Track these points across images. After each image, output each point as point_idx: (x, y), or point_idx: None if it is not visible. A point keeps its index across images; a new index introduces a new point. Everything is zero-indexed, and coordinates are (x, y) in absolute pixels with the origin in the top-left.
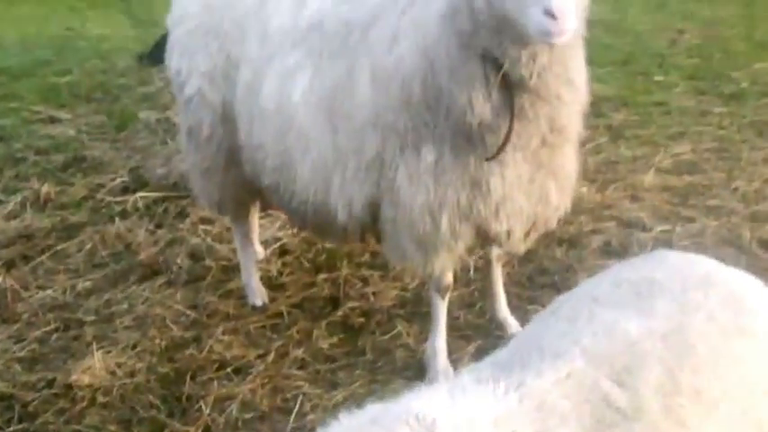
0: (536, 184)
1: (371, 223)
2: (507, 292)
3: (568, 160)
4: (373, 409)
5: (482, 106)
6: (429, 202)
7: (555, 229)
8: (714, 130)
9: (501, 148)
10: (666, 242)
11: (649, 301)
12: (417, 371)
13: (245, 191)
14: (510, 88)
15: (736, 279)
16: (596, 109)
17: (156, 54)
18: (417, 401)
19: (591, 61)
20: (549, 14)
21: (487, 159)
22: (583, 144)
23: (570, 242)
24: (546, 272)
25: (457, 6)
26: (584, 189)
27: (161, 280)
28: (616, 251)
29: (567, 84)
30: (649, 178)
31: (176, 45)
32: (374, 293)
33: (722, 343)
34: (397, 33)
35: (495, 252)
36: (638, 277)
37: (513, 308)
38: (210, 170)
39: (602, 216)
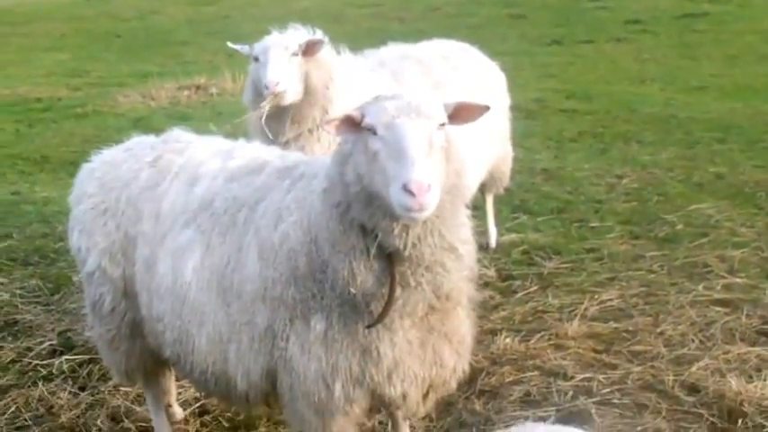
0: (428, 348)
1: (272, 390)
2: None
3: (462, 324)
4: None
5: (364, 276)
6: (322, 370)
7: (475, 380)
8: (644, 274)
9: (381, 316)
10: (587, 390)
11: None
12: None
13: (152, 360)
14: (389, 258)
15: None
16: (528, 258)
17: None
18: None
19: (528, 210)
20: (408, 191)
21: (367, 326)
22: (512, 293)
23: (491, 393)
24: (464, 424)
25: (333, 180)
26: (508, 340)
27: None
28: (536, 401)
29: (449, 252)
30: (574, 326)
31: (76, 223)
32: None
33: None
34: (282, 210)
35: (400, 412)
36: None
37: None
38: (115, 341)
39: (524, 366)
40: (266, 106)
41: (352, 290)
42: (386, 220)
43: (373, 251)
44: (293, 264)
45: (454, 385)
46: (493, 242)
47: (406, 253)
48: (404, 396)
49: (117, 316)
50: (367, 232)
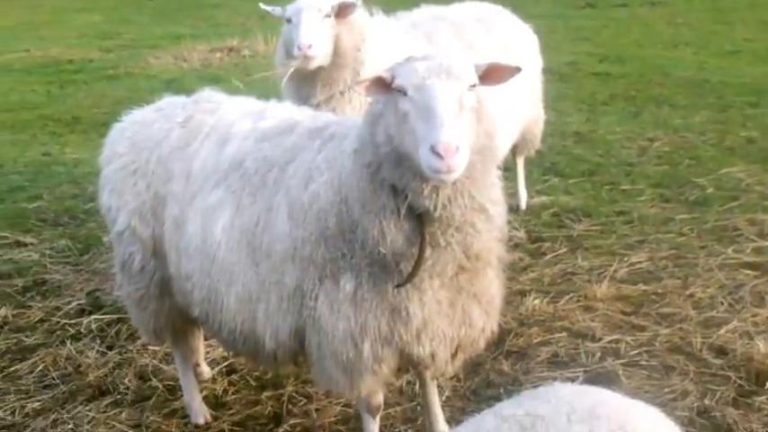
0: (458, 308)
1: (300, 349)
2: (451, 407)
3: (491, 284)
4: None
5: (394, 236)
6: (350, 329)
7: (504, 341)
8: (674, 237)
9: (411, 276)
10: (615, 352)
11: None
12: None
13: (180, 319)
14: (419, 218)
15: (625, 408)
16: (558, 220)
17: None
18: None
19: (559, 173)
20: (436, 153)
21: (397, 286)
22: (541, 255)
23: (519, 354)
24: (492, 385)
25: (364, 141)
26: (537, 301)
27: (108, 400)
28: (563, 362)
29: (480, 212)
30: (603, 289)
31: (106, 183)
32: (317, 410)
33: None
34: (312, 170)
35: (428, 371)
36: (524, 412)
37: (457, 422)
38: (144, 300)
39: (552, 327)
40: (292, 67)
41: (382, 250)
42: (416, 181)
43: (403, 211)
44: (323, 224)
45: (483, 345)
46: (523, 204)
47: (437, 214)
48: (432, 356)
49: (146, 275)
50: (397, 192)
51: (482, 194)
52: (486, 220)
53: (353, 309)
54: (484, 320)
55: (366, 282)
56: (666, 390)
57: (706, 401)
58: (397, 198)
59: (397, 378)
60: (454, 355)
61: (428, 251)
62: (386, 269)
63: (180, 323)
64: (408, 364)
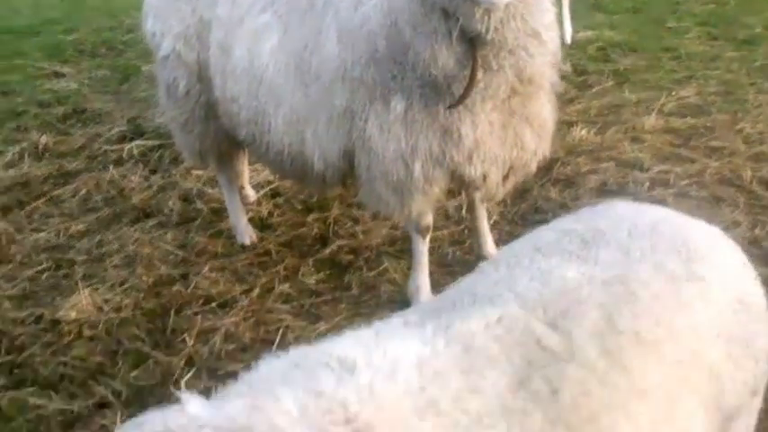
0: (510, 130)
1: (349, 170)
2: (500, 230)
3: (543, 108)
4: (297, 351)
5: (445, 59)
6: (401, 150)
7: (551, 169)
8: (722, 73)
9: (462, 97)
10: (664, 182)
11: (594, 249)
12: (402, 305)
13: (226, 142)
14: (471, 41)
15: (686, 225)
16: (604, 54)
17: None
18: (342, 343)
19: (603, 8)
20: None
21: (448, 107)
22: (588, 88)
23: (566, 182)
24: (540, 210)
25: None
26: (584, 131)
27: (152, 222)
28: (612, 190)
29: (532, 36)
30: (651, 121)
31: (150, 9)
32: (363, 232)
33: (667, 288)
34: None
35: (478, 194)
36: (584, 227)
37: (505, 244)
38: (189, 123)
39: (600, 157)
40: None
41: (434, 72)
42: (467, 5)
43: (455, 35)
44: (373, 46)
45: (534, 168)
46: (568, 38)
47: (489, 37)
48: (484, 177)
49: (191, 98)
50: (449, 16)
51: (535, 19)
52: (538, 45)
53: (404, 130)
54: (536, 143)
55: (417, 103)
56: (717, 219)
57: (756, 231)
58: (448, 21)
59: (446, 199)
60: (506, 178)
61: (480, 74)
62: (437, 91)
63: (225, 146)
64: (460, 185)
